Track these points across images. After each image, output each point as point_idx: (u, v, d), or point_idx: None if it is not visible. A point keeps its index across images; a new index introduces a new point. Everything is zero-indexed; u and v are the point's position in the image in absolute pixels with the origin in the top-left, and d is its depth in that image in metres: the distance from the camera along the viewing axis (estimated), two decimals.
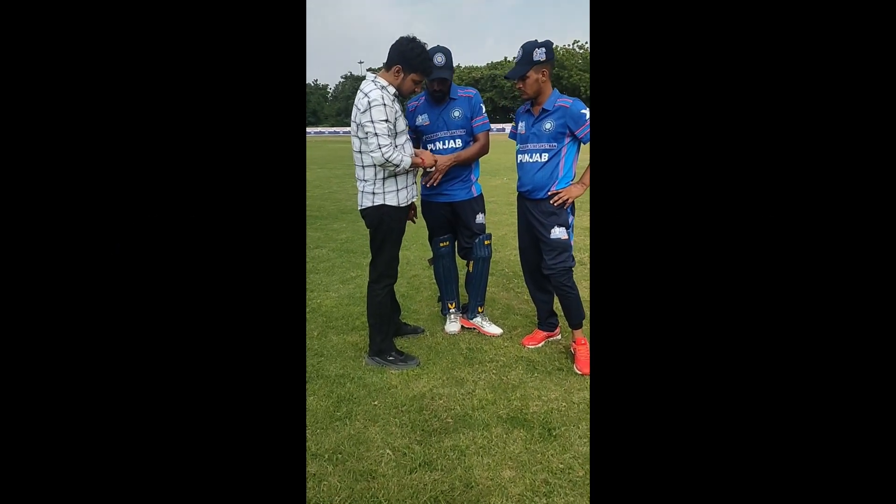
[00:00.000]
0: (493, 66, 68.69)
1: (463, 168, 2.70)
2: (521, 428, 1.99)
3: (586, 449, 1.83)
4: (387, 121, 2.17)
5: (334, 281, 3.88)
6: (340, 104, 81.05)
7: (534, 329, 2.82)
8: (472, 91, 2.67)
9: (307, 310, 3.32)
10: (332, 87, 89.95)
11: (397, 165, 2.25)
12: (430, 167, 2.54)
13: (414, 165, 2.39)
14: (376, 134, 2.16)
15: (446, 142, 2.64)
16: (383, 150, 2.18)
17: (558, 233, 2.43)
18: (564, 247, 2.44)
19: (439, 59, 2.48)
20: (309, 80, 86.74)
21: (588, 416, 2.04)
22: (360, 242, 5.05)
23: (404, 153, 2.30)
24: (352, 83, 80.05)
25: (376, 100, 2.15)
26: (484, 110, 2.67)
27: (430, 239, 2.92)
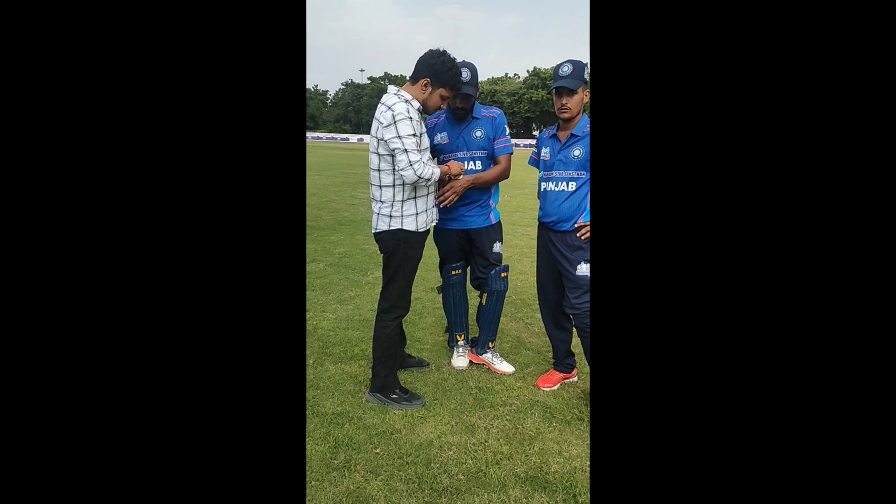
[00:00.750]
0: (493, 81, 69.32)
1: (481, 192, 2.50)
2: (543, 491, 1.77)
3: None
4: (414, 135, 1.98)
5: (331, 300, 3.64)
6: (339, 111, 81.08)
7: (549, 368, 2.62)
8: (497, 111, 2.48)
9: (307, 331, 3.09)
10: (331, 93, 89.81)
11: (429, 180, 2.06)
12: (457, 175, 2.35)
13: (442, 175, 2.22)
14: (405, 150, 1.97)
15: (465, 163, 2.44)
16: (415, 166, 1.98)
17: (585, 269, 2.24)
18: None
19: (465, 74, 2.30)
20: (309, 84, 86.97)
21: None
22: (359, 258, 4.84)
23: (433, 166, 2.12)
24: (352, 90, 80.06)
25: (402, 113, 1.96)
26: (507, 132, 2.48)
27: (441, 266, 2.71)
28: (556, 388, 2.49)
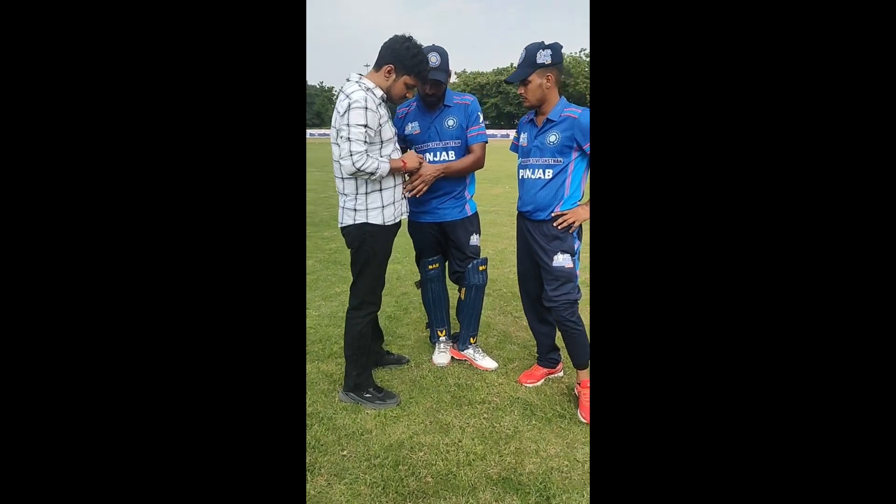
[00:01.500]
0: (498, 71, 68.87)
1: (455, 183, 2.40)
2: (515, 493, 1.68)
3: None
4: (366, 126, 1.87)
5: (316, 297, 3.57)
6: None
7: (532, 364, 2.52)
8: (470, 98, 2.38)
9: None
10: (337, 89, 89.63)
11: (372, 174, 1.94)
12: (414, 170, 2.20)
13: (395, 170, 2.06)
14: (349, 139, 1.86)
15: (437, 153, 2.34)
16: (354, 157, 1.86)
17: (562, 260, 2.13)
18: (569, 276, 2.14)
19: (433, 59, 2.19)
20: (315, 81, 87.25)
21: None
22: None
23: (381, 160, 1.98)
24: None
25: (357, 102, 1.86)
26: (481, 119, 2.37)
27: (418, 261, 2.62)
28: (539, 383, 2.40)
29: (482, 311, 3.34)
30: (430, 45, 2.24)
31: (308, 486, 1.70)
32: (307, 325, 3.06)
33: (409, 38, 2.00)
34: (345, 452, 1.89)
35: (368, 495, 1.67)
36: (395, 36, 2.02)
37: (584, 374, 2.21)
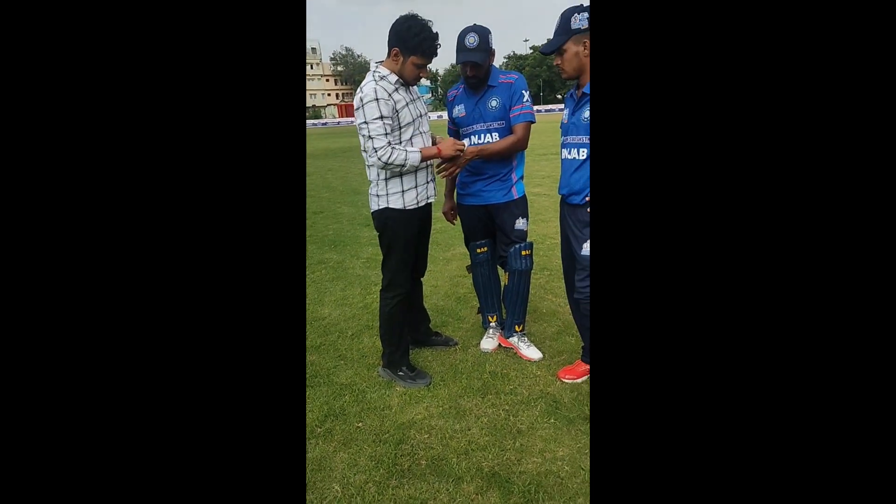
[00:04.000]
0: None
1: (500, 165, 2.31)
2: (499, 490, 1.63)
3: None
4: (381, 118, 1.92)
5: None
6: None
7: (576, 359, 2.35)
8: (515, 75, 2.25)
9: (362, 305, 3.28)
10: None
11: (402, 166, 1.98)
12: (449, 157, 2.14)
13: (426, 158, 2.05)
14: (370, 136, 1.93)
15: (482, 136, 2.28)
16: (379, 153, 1.93)
17: (589, 249, 1.93)
18: None
19: (471, 40, 2.13)
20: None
21: (589, 495, 1.59)
22: (450, 233, 4.88)
23: (409, 149, 2.00)
24: (514, 62, 78.23)
25: (368, 95, 1.91)
26: (526, 98, 2.22)
27: (467, 244, 2.60)
28: (579, 381, 2.23)
29: (554, 295, 3.20)
30: (471, 25, 2.17)
31: (317, 451, 1.87)
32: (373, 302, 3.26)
33: (411, 17, 1.96)
34: (360, 424, 2.02)
35: (363, 468, 1.77)
36: (399, 17, 1.99)
37: None
